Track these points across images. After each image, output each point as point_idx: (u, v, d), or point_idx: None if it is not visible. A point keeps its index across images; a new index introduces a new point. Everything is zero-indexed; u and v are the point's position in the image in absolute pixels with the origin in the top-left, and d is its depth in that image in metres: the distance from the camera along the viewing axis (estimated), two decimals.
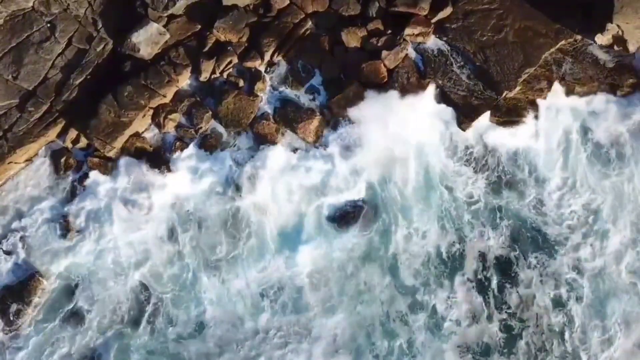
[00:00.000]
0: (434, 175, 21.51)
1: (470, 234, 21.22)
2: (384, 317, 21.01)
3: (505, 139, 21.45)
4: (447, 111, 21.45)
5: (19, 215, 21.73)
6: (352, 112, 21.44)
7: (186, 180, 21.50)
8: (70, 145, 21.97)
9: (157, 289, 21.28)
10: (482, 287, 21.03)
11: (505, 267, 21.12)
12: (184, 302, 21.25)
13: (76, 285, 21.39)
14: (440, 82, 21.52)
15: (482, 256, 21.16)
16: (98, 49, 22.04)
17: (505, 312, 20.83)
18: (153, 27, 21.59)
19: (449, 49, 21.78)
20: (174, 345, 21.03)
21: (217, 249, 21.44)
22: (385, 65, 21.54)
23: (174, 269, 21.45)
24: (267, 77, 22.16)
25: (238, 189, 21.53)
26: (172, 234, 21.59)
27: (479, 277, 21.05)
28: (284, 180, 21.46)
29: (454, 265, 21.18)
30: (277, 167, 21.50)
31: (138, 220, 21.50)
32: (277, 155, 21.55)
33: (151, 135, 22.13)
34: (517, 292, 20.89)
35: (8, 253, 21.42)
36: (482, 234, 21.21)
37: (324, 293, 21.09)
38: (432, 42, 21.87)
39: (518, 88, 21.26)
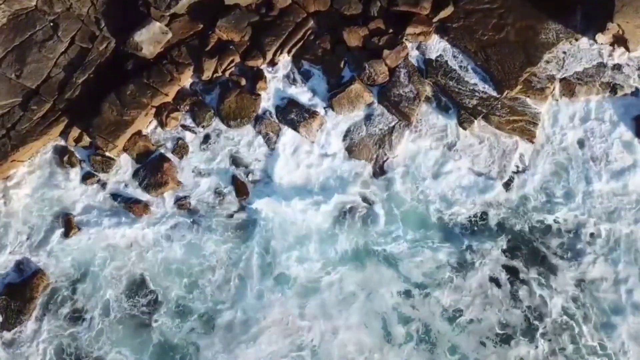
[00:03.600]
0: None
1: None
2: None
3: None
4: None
5: (22, 214, 21.82)
6: None
7: None
8: (72, 144, 22.04)
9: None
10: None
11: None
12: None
13: (79, 282, 21.43)
14: (442, 81, 21.61)
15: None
16: (101, 48, 22.16)
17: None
18: (155, 26, 21.69)
19: (450, 48, 21.87)
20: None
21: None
22: (386, 64, 21.64)
23: None
24: (269, 76, 22.24)
25: None
26: None
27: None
28: None
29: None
30: None
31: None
32: None
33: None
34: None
35: (12, 252, 21.50)
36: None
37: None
38: (434, 42, 21.96)
39: (519, 87, 21.31)
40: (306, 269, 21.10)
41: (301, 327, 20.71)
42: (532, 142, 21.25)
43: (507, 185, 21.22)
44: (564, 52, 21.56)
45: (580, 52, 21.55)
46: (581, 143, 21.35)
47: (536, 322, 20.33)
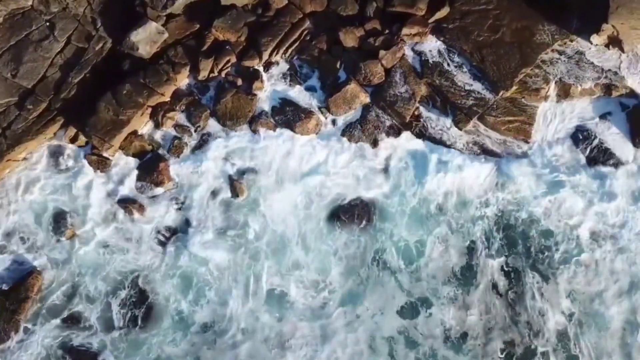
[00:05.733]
0: None
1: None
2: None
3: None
4: None
5: (16, 213, 21.74)
6: None
7: None
8: (68, 143, 22.02)
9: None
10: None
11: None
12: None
13: (76, 284, 21.34)
14: (437, 81, 21.65)
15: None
16: (97, 48, 22.17)
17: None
18: (152, 26, 21.71)
19: (446, 49, 21.93)
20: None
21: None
22: (382, 65, 21.68)
23: None
24: (265, 76, 22.26)
25: None
26: None
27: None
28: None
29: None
30: None
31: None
32: None
33: None
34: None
35: (7, 252, 21.44)
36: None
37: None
38: (430, 42, 22.01)
39: (514, 88, 21.36)
40: (302, 283, 21.00)
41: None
42: (527, 142, 21.32)
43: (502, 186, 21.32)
44: (560, 53, 21.68)
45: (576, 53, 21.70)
46: (576, 143, 21.36)
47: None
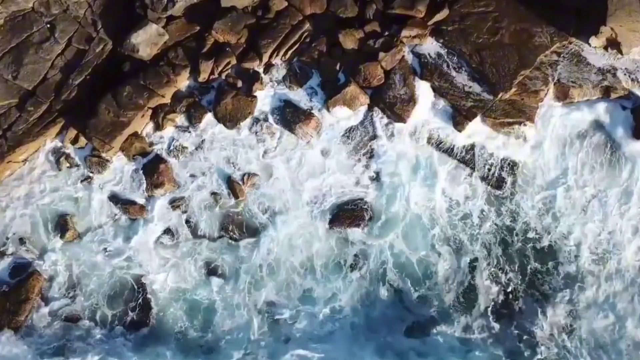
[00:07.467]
0: None
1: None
2: None
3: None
4: None
5: (17, 214, 21.80)
6: None
7: None
8: (69, 145, 22.08)
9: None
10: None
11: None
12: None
13: (74, 285, 21.37)
14: (436, 83, 21.72)
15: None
16: (97, 50, 22.24)
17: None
18: (152, 28, 21.78)
19: (445, 50, 22.02)
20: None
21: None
22: (382, 67, 21.75)
23: None
24: (265, 78, 22.32)
25: None
26: None
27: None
28: None
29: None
30: None
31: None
32: None
33: None
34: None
35: (8, 253, 21.47)
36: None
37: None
38: (429, 44, 22.09)
39: (513, 90, 21.44)
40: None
41: None
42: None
43: (500, 187, 21.35)
44: (559, 55, 21.75)
45: (575, 55, 21.76)
46: (574, 144, 21.43)
47: None
